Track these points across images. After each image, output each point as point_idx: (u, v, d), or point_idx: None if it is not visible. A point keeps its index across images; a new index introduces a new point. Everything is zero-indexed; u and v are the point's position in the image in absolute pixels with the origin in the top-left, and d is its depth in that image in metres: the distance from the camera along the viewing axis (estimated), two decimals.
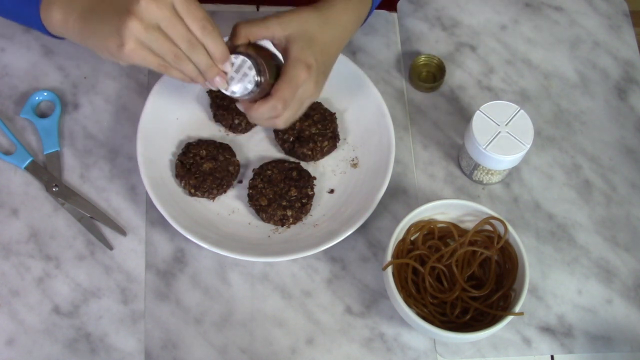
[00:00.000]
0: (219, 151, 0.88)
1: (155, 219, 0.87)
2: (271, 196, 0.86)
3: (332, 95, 0.93)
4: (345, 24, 0.81)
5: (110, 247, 0.86)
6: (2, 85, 0.93)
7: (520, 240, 0.81)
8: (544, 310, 0.86)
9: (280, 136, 0.91)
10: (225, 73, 0.72)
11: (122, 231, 0.86)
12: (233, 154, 0.89)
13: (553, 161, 0.95)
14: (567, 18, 1.04)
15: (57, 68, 0.95)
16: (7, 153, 0.89)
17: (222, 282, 0.85)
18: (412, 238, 0.83)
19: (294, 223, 0.87)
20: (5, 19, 0.82)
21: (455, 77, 0.99)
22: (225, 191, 0.88)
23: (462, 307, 0.80)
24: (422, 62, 0.98)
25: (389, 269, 0.79)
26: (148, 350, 0.81)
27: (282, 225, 0.86)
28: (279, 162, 0.89)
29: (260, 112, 0.74)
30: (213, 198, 0.88)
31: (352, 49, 0.99)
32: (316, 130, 0.90)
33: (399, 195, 0.91)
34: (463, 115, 0.96)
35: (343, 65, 0.91)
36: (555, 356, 0.84)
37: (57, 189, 0.87)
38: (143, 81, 0.95)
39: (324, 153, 0.91)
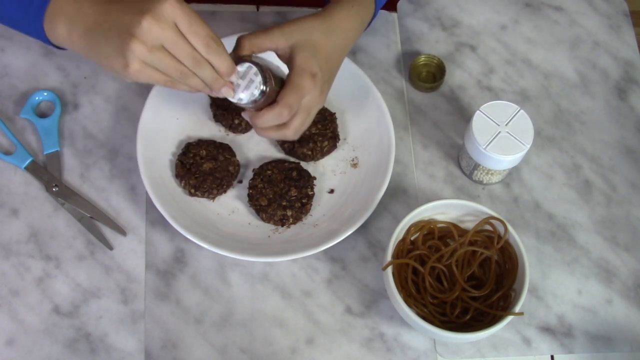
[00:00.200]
0: (219, 151, 0.88)
1: (155, 219, 0.87)
2: (271, 196, 0.86)
3: (332, 95, 0.93)
4: (349, 31, 0.81)
5: (110, 247, 0.86)
6: (2, 85, 0.93)
7: (520, 240, 0.81)
8: (544, 310, 0.86)
9: None
10: (232, 82, 0.72)
11: (122, 231, 0.86)
12: (233, 154, 0.89)
13: (553, 161, 0.95)
14: (567, 18, 1.04)
15: (57, 68, 0.95)
16: (7, 153, 0.89)
17: (222, 282, 0.85)
18: (412, 238, 0.83)
19: (294, 223, 0.87)
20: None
21: (455, 77, 0.99)
22: (225, 191, 0.88)
23: (462, 307, 0.80)
24: (422, 62, 0.98)
25: (389, 269, 0.79)
26: (148, 350, 0.81)
27: (282, 225, 0.86)
28: (279, 162, 0.89)
29: (266, 119, 0.74)
30: (213, 198, 0.88)
31: (352, 49, 0.98)
32: (316, 130, 0.90)
33: (399, 195, 0.91)
34: (463, 115, 0.96)
35: (343, 65, 0.90)
36: (555, 356, 0.84)
37: (57, 189, 0.87)
38: None
39: (324, 153, 0.91)
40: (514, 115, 0.86)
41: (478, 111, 0.86)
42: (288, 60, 0.77)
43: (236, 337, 0.83)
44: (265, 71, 0.72)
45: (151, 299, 0.84)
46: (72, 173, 0.89)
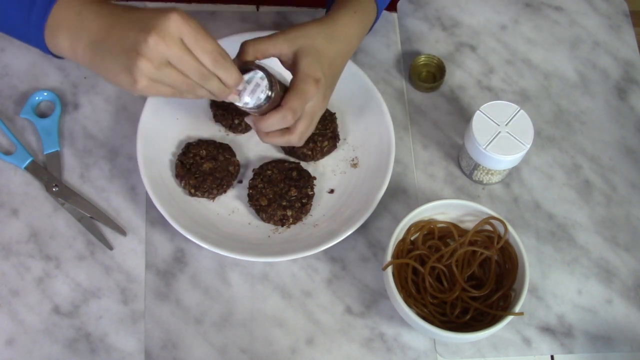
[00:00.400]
0: (219, 151, 0.88)
1: (155, 219, 0.87)
2: (271, 196, 0.86)
3: (332, 95, 0.93)
4: (351, 37, 0.81)
5: (110, 247, 0.86)
6: (2, 85, 0.93)
7: (520, 240, 0.81)
8: (544, 310, 0.86)
9: None
10: (238, 90, 0.72)
11: (122, 231, 0.86)
12: (233, 154, 0.89)
13: (553, 161, 0.95)
14: (567, 18, 1.04)
15: (57, 68, 0.95)
16: (7, 153, 0.89)
17: (222, 282, 0.85)
18: (412, 238, 0.83)
19: (294, 223, 0.87)
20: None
21: (455, 77, 0.99)
22: (225, 191, 0.88)
23: (462, 307, 0.80)
24: (422, 62, 0.98)
25: (389, 269, 0.79)
26: (148, 350, 0.81)
27: (282, 225, 0.86)
28: (279, 162, 0.89)
29: (270, 123, 0.74)
30: (213, 198, 0.88)
31: None
32: (316, 130, 0.90)
33: (399, 195, 0.91)
34: (463, 115, 0.96)
35: None
36: (555, 356, 0.84)
37: (57, 189, 0.87)
38: None
39: (324, 153, 0.91)
40: (514, 115, 0.86)
41: (478, 111, 0.86)
42: (291, 66, 0.77)
43: (236, 337, 0.83)
44: (271, 76, 0.73)
45: (151, 299, 0.84)
46: (72, 173, 0.89)
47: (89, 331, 0.82)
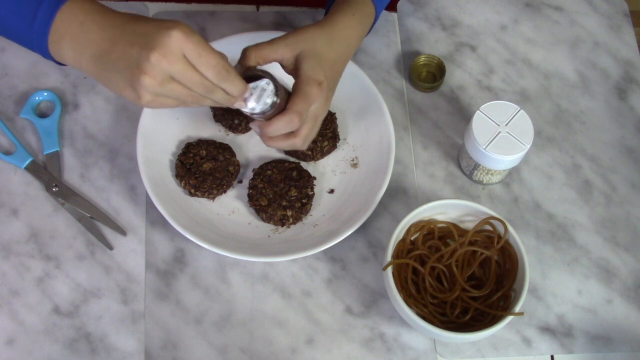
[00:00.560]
0: (219, 151, 0.88)
1: (155, 219, 0.87)
2: (271, 196, 0.86)
3: None
4: (350, 39, 0.81)
5: (110, 247, 0.86)
6: (2, 85, 0.93)
7: (520, 240, 0.81)
8: (544, 310, 0.86)
9: None
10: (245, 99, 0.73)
11: (122, 231, 0.86)
12: (233, 154, 0.89)
13: (553, 161, 0.94)
14: (567, 18, 1.04)
15: (57, 68, 0.95)
16: (7, 153, 0.89)
17: (222, 282, 0.85)
18: (412, 238, 0.83)
19: (294, 223, 0.87)
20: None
21: (455, 77, 0.99)
22: (225, 191, 0.88)
23: (462, 307, 0.80)
24: (422, 62, 0.98)
25: (389, 269, 0.79)
26: (148, 350, 0.81)
27: (282, 225, 0.86)
28: (279, 162, 0.89)
29: (276, 127, 0.74)
30: (213, 198, 0.88)
31: None
32: None
33: (399, 195, 0.91)
34: (463, 115, 0.96)
35: None
36: (555, 356, 0.84)
37: (57, 189, 0.87)
38: None
39: (323, 153, 0.91)
40: (514, 115, 0.86)
41: (478, 111, 0.86)
42: (293, 70, 0.78)
43: (236, 337, 0.83)
44: (276, 81, 0.73)
45: (151, 299, 0.84)
46: (72, 173, 0.89)
47: (89, 331, 0.82)
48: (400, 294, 0.78)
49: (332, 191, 0.90)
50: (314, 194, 0.88)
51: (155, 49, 0.65)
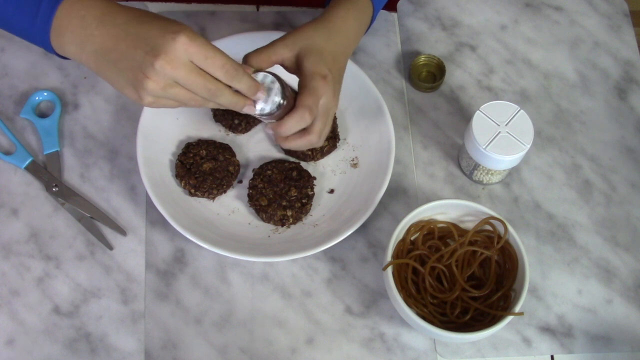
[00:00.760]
0: (219, 151, 0.88)
1: (155, 219, 0.87)
2: (271, 196, 0.86)
3: None
4: (347, 32, 0.81)
5: (110, 247, 0.86)
6: (2, 85, 0.93)
7: (520, 240, 0.81)
8: (544, 310, 0.86)
9: None
10: (253, 101, 0.72)
11: (122, 231, 0.86)
12: (233, 154, 0.89)
13: (553, 161, 0.94)
14: (567, 18, 1.04)
15: (57, 68, 0.95)
16: (7, 153, 0.89)
17: (222, 282, 0.85)
18: (412, 238, 0.83)
19: (294, 223, 0.87)
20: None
21: (455, 77, 0.99)
22: (225, 191, 0.88)
23: (462, 307, 0.80)
24: (422, 62, 0.98)
25: (389, 269, 0.79)
26: (148, 350, 0.81)
27: (282, 225, 0.86)
28: (279, 162, 0.89)
29: (289, 126, 0.74)
30: (213, 198, 0.88)
31: None
32: None
33: (399, 195, 0.91)
34: (463, 115, 0.96)
35: None
36: (555, 356, 0.84)
37: (57, 189, 0.87)
38: None
39: (324, 153, 0.91)
40: (514, 115, 0.86)
41: (478, 111, 0.86)
42: (296, 69, 0.78)
43: (236, 337, 0.83)
44: (280, 79, 0.73)
45: (151, 299, 0.84)
46: (72, 173, 0.89)
47: (89, 331, 0.82)
48: (400, 294, 0.78)
49: (332, 191, 0.90)
50: (314, 194, 0.88)
51: (160, 56, 0.65)
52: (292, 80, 0.78)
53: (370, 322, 0.84)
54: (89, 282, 0.84)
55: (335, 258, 0.87)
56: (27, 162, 0.89)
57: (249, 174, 0.89)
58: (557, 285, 0.87)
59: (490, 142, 0.84)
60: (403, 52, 1.00)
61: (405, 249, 0.82)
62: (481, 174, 0.89)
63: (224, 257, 0.85)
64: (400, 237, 0.82)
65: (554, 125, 0.97)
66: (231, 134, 0.93)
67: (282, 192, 0.87)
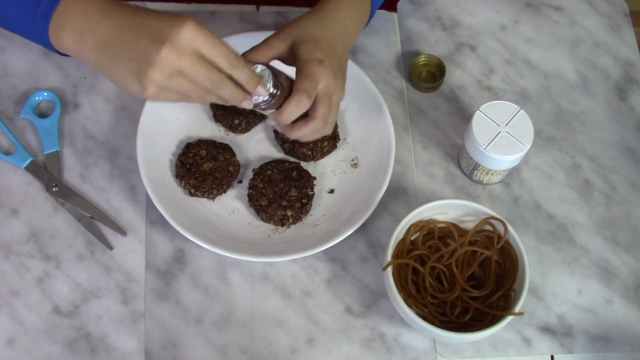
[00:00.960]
0: (219, 151, 0.88)
1: (155, 219, 0.87)
2: (271, 196, 0.86)
3: None
4: (342, 20, 0.81)
5: (110, 247, 0.86)
6: (2, 85, 0.93)
7: (520, 240, 0.81)
8: (544, 310, 0.86)
9: (280, 136, 0.91)
10: (251, 95, 0.73)
11: (122, 231, 0.86)
12: (233, 154, 0.89)
13: (553, 161, 0.95)
14: (567, 18, 1.04)
15: (57, 68, 0.95)
16: (7, 153, 0.89)
17: (222, 282, 0.85)
18: (412, 238, 0.83)
19: (294, 223, 0.87)
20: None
21: (455, 77, 0.99)
22: (225, 191, 0.88)
23: (462, 307, 0.80)
24: (422, 62, 0.98)
25: (389, 269, 0.79)
26: (148, 350, 0.81)
27: (282, 225, 0.86)
28: (279, 162, 0.89)
29: (288, 112, 0.74)
30: (213, 198, 0.88)
31: (352, 49, 0.98)
32: None
33: (399, 195, 0.91)
34: (463, 115, 0.96)
35: None
36: (555, 356, 0.84)
37: (57, 189, 0.87)
38: None
39: (324, 153, 0.91)
40: (514, 115, 0.86)
41: (478, 111, 0.86)
42: (293, 60, 0.78)
43: (236, 337, 0.83)
44: (271, 66, 0.73)
45: (151, 299, 0.84)
46: (72, 173, 0.89)
47: (89, 331, 0.82)
48: (400, 294, 0.78)
49: (332, 191, 0.90)
50: (314, 194, 0.88)
51: (166, 43, 0.65)
52: (293, 73, 0.78)
53: (370, 322, 0.84)
54: (89, 282, 0.84)
55: (335, 258, 0.87)
56: (27, 162, 0.89)
57: (249, 174, 0.89)
58: (557, 285, 0.87)
59: (490, 142, 0.84)
60: (403, 52, 1.00)
61: (405, 249, 0.82)
62: (481, 174, 0.89)
63: (224, 257, 0.85)
64: (400, 237, 0.82)
65: (554, 125, 0.97)
66: (231, 134, 0.93)
67: (282, 192, 0.87)
